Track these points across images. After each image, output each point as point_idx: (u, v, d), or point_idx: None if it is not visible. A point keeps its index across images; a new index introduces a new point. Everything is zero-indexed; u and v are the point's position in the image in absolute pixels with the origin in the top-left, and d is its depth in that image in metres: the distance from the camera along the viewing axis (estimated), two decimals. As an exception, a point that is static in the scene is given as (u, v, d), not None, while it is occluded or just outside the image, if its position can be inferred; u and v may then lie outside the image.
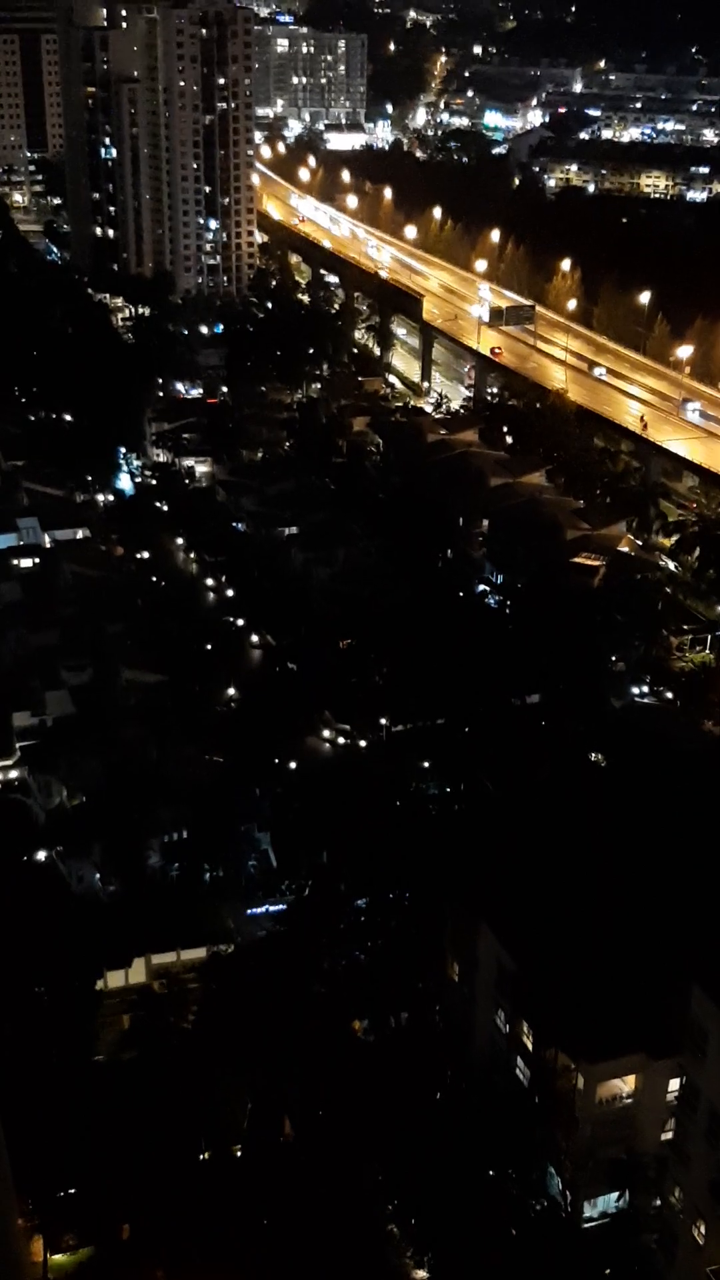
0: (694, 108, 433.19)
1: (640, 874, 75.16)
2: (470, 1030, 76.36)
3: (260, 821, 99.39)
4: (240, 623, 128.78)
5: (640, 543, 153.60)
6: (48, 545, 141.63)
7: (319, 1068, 72.49)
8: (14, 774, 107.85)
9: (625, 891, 73.67)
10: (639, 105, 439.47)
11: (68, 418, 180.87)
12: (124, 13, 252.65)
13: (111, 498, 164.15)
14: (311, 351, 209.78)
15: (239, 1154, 72.63)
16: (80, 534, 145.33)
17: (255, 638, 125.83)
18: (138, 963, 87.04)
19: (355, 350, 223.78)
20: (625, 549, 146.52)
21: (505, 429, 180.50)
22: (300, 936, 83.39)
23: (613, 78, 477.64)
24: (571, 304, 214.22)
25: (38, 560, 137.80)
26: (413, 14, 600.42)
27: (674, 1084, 65.60)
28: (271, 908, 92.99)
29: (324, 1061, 72.74)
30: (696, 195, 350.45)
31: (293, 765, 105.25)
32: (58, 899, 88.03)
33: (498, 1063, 72.91)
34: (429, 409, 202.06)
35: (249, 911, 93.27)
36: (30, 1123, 66.24)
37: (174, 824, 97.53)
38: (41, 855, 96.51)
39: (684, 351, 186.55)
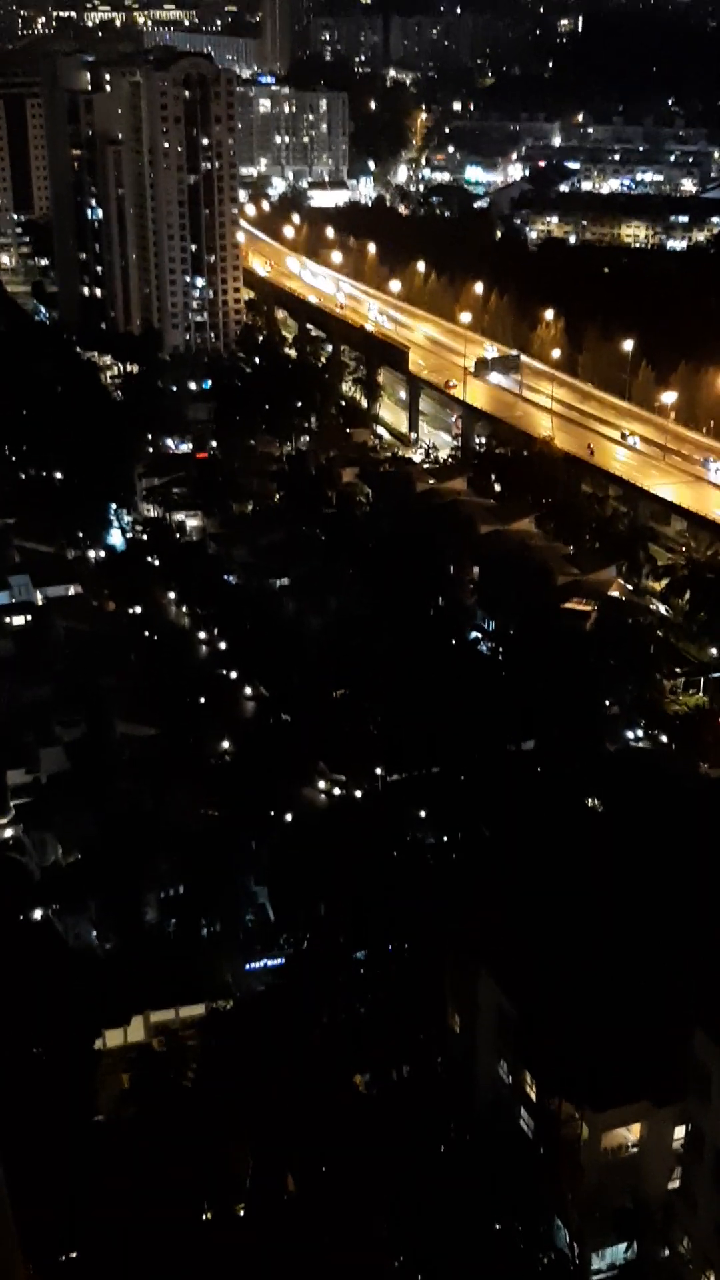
0: (671, 158, 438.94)
1: (640, 918, 74.87)
2: (473, 1080, 75.72)
3: (257, 874, 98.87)
4: (233, 674, 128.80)
5: (631, 587, 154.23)
6: (39, 602, 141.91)
7: (321, 1123, 71.76)
8: (8, 832, 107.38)
9: (625, 936, 73.35)
10: (617, 157, 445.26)
11: (58, 475, 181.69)
12: (108, 76, 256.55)
13: (103, 553, 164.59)
14: (299, 404, 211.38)
15: (242, 1212, 71.70)
16: (72, 590, 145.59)
17: (248, 689, 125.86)
18: (136, 1020, 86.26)
19: (343, 402, 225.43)
20: (616, 593, 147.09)
21: (493, 477, 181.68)
22: (299, 990, 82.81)
23: (591, 130, 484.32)
24: (556, 352, 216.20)
25: (30, 617, 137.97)
26: (393, 72, 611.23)
27: (679, 1130, 65.04)
28: (270, 962, 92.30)
29: (326, 1116, 72.02)
30: (676, 244, 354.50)
31: (288, 817, 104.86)
32: (55, 958, 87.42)
33: (501, 1113, 72.24)
34: (417, 459, 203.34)
35: (247, 966, 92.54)
36: (32, 1184, 65.41)
37: (170, 878, 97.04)
38: (38, 914, 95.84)
39: (668, 397, 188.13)
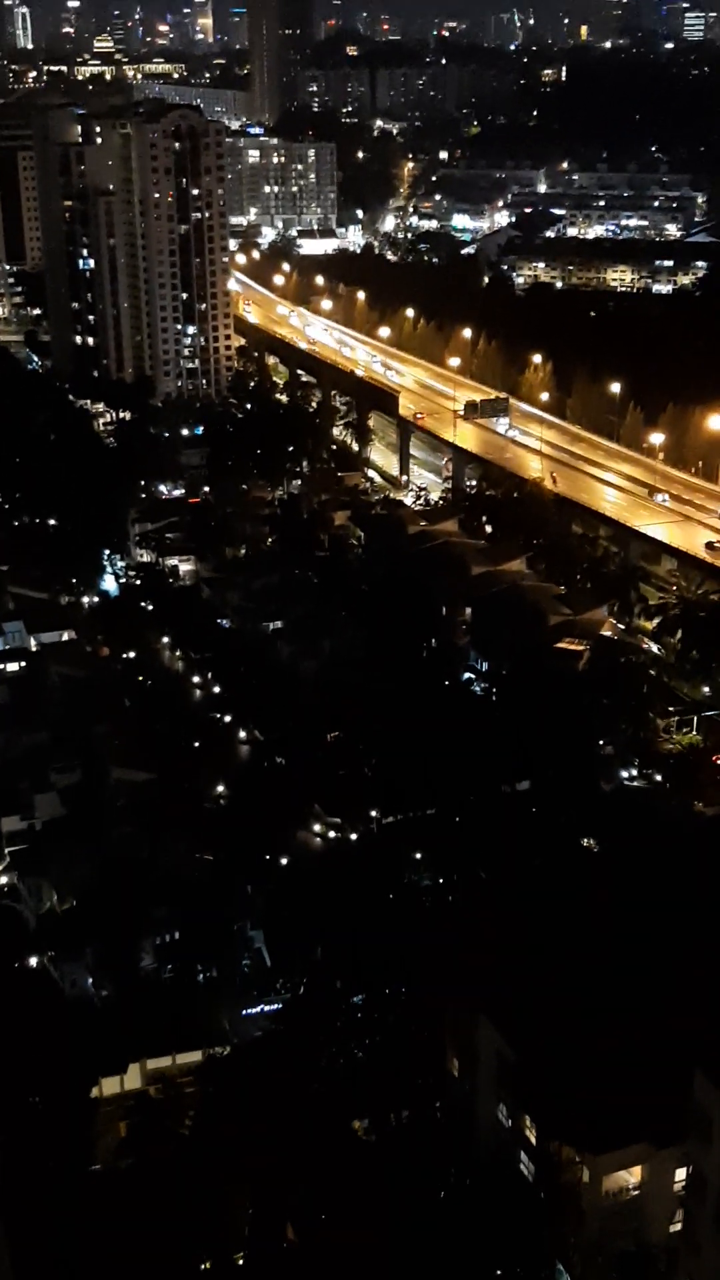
0: (655, 204, 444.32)
1: (638, 958, 74.69)
2: (472, 1125, 75.21)
3: (253, 919, 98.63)
4: (228, 718, 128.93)
5: (623, 626, 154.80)
6: (34, 648, 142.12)
7: (320, 1169, 71.22)
8: (4, 879, 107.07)
9: (623, 977, 73.15)
10: (602, 203, 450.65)
11: (52, 522, 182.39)
12: (98, 128, 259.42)
13: (96, 599, 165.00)
14: (291, 449, 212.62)
15: (241, 1261, 71.01)
16: (66, 636, 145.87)
17: (243, 733, 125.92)
18: (133, 1068, 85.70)
19: (334, 446, 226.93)
20: (608, 633, 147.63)
21: (484, 518, 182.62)
22: (297, 1036, 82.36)
23: (576, 177, 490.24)
24: (545, 395, 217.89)
25: (24, 663, 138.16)
26: (380, 122, 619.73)
27: (680, 1173, 64.64)
28: (267, 1007, 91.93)
29: (325, 1163, 71.48)
30: (662, 287, 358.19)
31: (284, 861, 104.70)
32: (51, 1005, 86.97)
33: (501, 1158, 71.70)
34: (409, 501, 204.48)
35: (244, 1012, 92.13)
36: (29, 1234, 64.82)
37: (166, 924, 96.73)
38: (33, 961, 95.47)
39: (657, 438, 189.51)
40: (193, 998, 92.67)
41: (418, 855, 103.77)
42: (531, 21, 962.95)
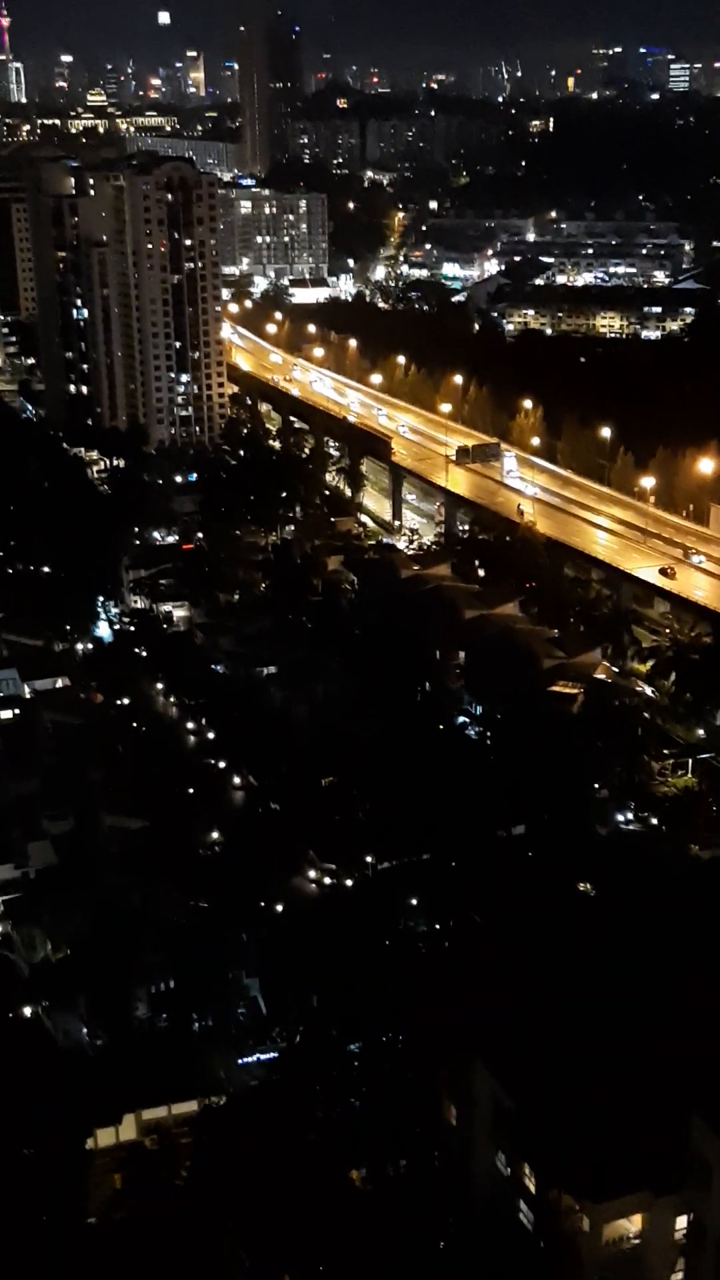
0: (643, 251, 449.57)
1: (635, 1003, 74.22)
2: (470, 1174, 74.43)
3: (248, 967, 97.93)
4: (221, 764, 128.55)
5: (616, 669, 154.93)
6: (27, 695, 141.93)
7: (318, 1220, 70.39)
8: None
9: (621, 1022, 72.65)
10: (590, 251, 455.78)
11: (45, 569, 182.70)
12: (91, 180, 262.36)
13: (90, 645, 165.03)
14: (284, 495, 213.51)
15: (238, 1317, 70.03)
16: (59, 683, 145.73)
17: (237, 779, 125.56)
18: (128, 1119, 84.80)
19: (327, 492, 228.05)
20: (602, 676, 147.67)
21: (477, 562, 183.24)
22: (293, 1085, 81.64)
23: (564, 226, 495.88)
24: (536, 440, 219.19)
25: (17, 710, 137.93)
26: (370, 173, 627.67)
27: (681, 1221, 63.98)
28: (263, 1056, 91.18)
29: (323, 1214, 70.66)
30: (651, 333, 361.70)
31: (279, 907, 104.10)
32: (44, 1056, 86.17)
33: (500, 1207, 70.88)
34: (401, 546, 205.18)
35: (240, 1061, 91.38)
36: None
37: (160, 972, 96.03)
38: (27, 1011, 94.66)
39: (647, 482, 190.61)
40: (188, 1047, 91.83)
41: (413, 901, 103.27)
42: (519, 73, 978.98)
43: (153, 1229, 71.25)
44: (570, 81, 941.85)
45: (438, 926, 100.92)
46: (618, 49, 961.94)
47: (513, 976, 78.47)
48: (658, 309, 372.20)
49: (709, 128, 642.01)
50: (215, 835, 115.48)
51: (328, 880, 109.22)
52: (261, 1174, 72.12)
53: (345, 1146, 77.65)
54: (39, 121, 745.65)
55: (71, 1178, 75.58)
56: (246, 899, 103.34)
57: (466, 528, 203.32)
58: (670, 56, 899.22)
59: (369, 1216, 71.56)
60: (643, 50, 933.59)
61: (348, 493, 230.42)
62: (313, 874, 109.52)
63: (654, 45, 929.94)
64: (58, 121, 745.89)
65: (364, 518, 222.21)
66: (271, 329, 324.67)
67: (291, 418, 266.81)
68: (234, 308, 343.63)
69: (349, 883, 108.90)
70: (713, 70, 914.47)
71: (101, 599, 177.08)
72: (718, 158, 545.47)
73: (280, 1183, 71.65)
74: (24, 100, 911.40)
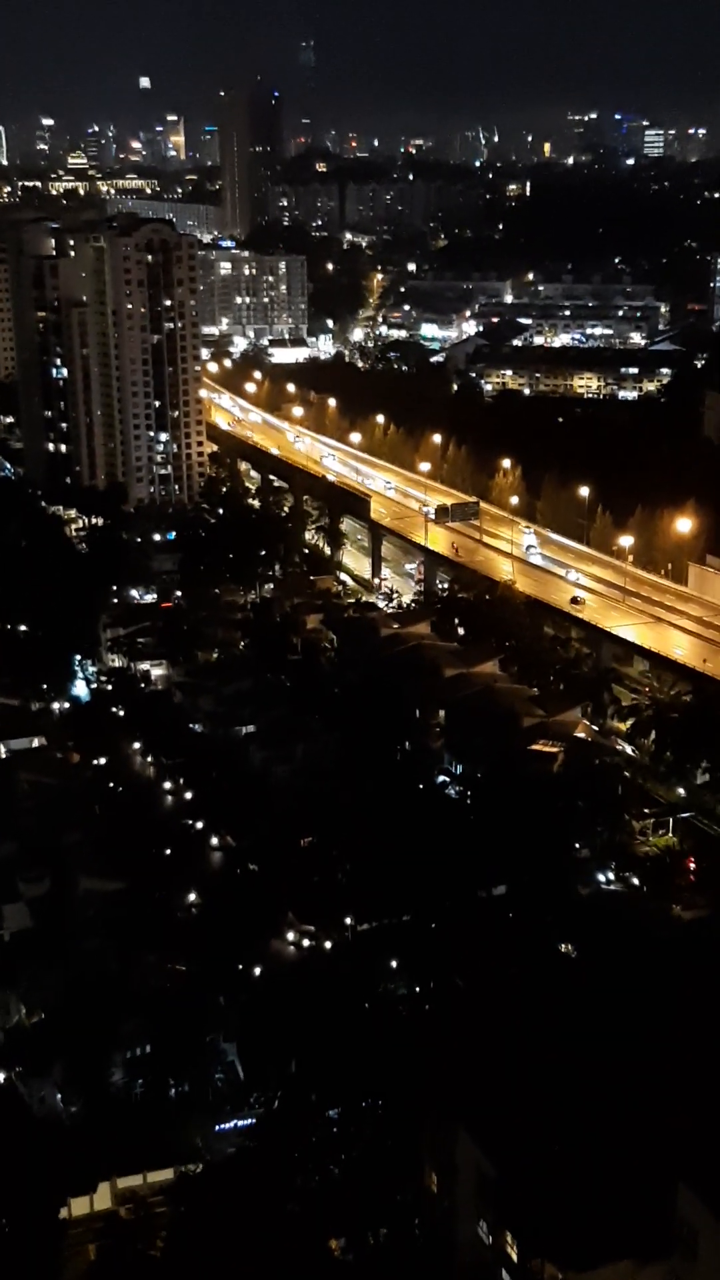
0: (620, 313, 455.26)
1: (618, 1066, 73.47)
2: (452, 1243, 73.18)
3: (226, 1031, 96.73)
4: (200, 824, 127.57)
5: (596, 727, 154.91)
6: (3, 755, 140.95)
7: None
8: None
9: (604, 1086, 71.85)
10: (568, 313, 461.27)
11: (22, 628, 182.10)
12: (72, 242, 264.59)
13: (67, 705, 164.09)
14: (263, 553, 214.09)
15: None
16: (36, 742, 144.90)
17: (215, 839, 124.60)
18: (103, 1187, 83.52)
19: (306, 550, 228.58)
20: (582, 734, 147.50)
21: (457, 621, 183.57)
22: (271, 1152, 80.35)
23: (542, 288, 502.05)
24: (515, 499, 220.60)
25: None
26: (349, 236, 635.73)
27: (667, 1291, 62.90)
28: (240, 1122, 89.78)
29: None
30: (628, 394, 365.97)
31: (257, 970, 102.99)
32: (18, 1123, 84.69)
33: (482, 1276, 69.67)
34: (381, 604, 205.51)
35: (217, 1127, 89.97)
36: None
37: (137, 1038, 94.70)
38: (0, 1077, 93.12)
39: (626, 541, 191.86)
40: (164, 1114, 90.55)
41: (393, 963, 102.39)
42: (496, 139, 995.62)
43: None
44: (546, 147, 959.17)
45: (418, 989, 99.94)
46: (593, 115, 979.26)
47: (494, 1040, 77.69)
48: (634, 370, 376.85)
49: (683, 192, 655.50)
50: (193, 897, 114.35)
51: (307, 942, 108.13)
52: (239, 1243, 70.78)
53: (325, 1215, 76.37)
54: (20, 184, 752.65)
55: (45, 1248, 74.10)
56: (225, 962, 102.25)
57: (446, 585, 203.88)
58: (645, 122, 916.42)
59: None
60: (618, 116, 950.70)
61: (327, 551, 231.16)
62: (292, 936, 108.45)
63: (629, 112, 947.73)
64: (38, 183, 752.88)
65: (344, 576, 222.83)
66: (251, 388, 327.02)
67: (271, 476, 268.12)
68: (213, 367, 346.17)
69: (328, 944, 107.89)
70: (686, 136, 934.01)
71: (79, 657, 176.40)
72: (692, 221, 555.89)
73: (259, 1252, 70.33)
74: (4, 163, 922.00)
